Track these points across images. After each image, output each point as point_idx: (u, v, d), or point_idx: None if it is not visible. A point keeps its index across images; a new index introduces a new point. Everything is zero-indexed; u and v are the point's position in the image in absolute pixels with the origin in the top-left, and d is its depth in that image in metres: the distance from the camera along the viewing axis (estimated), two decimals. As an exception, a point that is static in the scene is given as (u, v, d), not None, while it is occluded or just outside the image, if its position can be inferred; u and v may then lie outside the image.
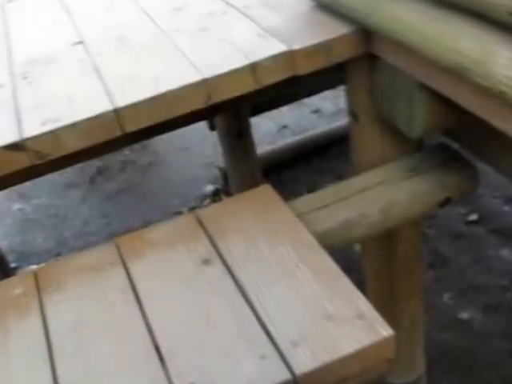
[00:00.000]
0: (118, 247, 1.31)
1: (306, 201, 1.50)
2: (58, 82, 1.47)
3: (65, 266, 1.30)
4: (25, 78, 1.51)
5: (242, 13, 1.60)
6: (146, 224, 3.01)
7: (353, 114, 1.61)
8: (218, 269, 1.20)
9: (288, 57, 1.38)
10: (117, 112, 1.28)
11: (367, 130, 1.60)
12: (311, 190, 1.70)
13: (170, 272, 1.23)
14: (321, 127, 3.42)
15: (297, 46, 1.38)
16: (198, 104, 1.34)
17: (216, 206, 1.57)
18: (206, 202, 3.13)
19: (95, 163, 3.45)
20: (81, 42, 1.65)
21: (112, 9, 1.88)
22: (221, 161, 3.05)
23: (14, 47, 1.74)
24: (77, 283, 1.24)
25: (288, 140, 3.39)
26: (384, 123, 1.55)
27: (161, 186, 3.31)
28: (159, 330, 1.10)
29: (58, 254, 2.99)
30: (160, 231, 1.35)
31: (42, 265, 1.37)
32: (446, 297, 2.38)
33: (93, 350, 1.10)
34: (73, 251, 3.01)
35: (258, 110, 2.81)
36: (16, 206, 3.31)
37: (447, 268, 2.50)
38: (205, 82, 1.32)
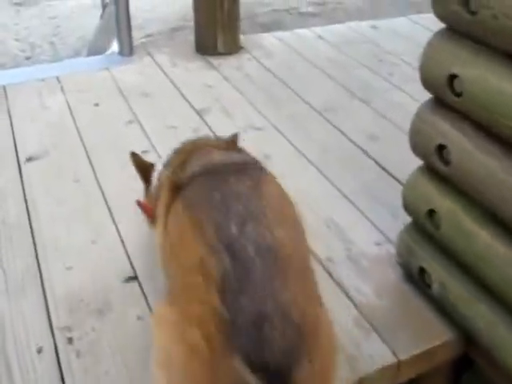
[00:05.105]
0: None
1: None
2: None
3: None
4: (70, 340, 1.20)
5: (326, 270, 1.42)
6: None
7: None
8: None
9: (394, 368, 1.23)
10: None
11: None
12: None
13: None
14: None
15: (403, 357, 1.23)
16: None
17: None
18: None
19: None
20: (134, 278, 1.37)
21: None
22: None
23: (44, 264, 1.41)
24: None
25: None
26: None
27: None
28: None
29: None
30: None
31: None
32: None
33: None
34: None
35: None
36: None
37: None
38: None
